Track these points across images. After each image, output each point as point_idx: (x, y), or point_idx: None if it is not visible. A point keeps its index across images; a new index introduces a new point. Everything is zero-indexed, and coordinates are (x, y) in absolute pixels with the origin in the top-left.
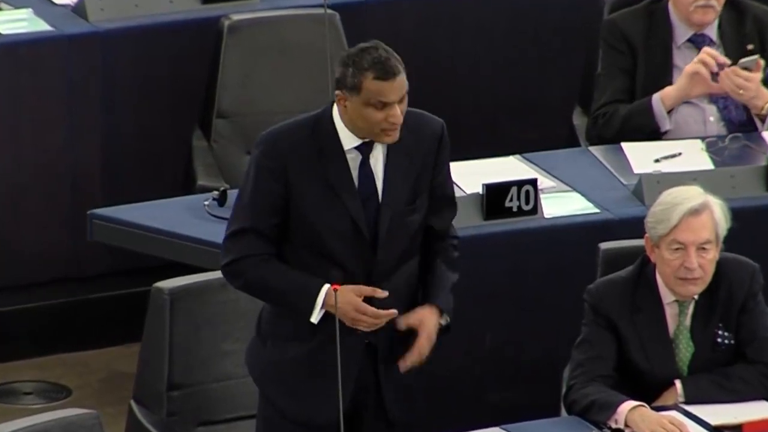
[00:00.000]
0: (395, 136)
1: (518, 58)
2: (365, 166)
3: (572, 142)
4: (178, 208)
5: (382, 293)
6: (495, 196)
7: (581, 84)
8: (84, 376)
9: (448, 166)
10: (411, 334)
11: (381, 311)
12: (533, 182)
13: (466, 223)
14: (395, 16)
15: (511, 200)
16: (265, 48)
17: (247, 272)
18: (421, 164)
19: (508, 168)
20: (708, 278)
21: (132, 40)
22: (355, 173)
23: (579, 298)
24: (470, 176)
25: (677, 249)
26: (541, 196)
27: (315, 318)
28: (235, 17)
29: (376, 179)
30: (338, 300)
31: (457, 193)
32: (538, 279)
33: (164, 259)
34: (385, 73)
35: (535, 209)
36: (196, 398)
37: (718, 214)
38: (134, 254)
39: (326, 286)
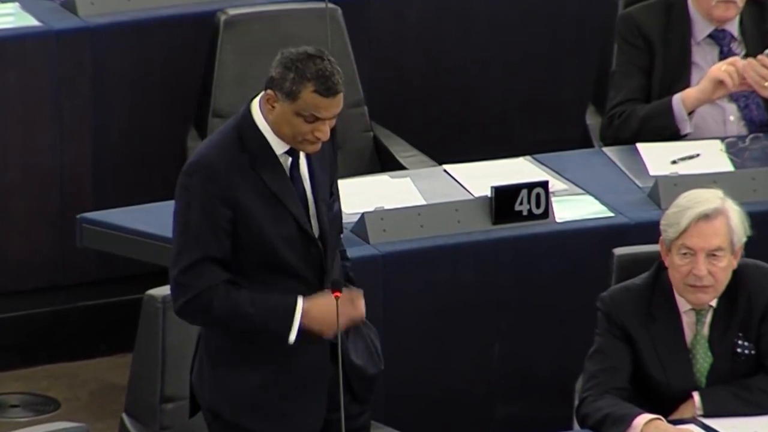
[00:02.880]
0: (316, 148)
1: (529, 54)
2: (296, 169)
3: (585, 142)
4: (172, 212)
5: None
6: (504, 199)
7: (595, 82)
8: (73, 388)
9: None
10: None
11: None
12: (544, 185)
13: (474, 227)
14: (400, 10)
15: (521, 204)
16: (264, 44)
17: (213, 304)
18: (328, 153)
19: (518, 170)
20: (720, 287)
21: (123, 36)
22: (288, 177)
23: (592, 307)
24: (478, 178)
25: (686, 254)
26: (553, 199)
27: (292, 338)
28: (232, 11)
29: (303, 178)
30: (318, 313)
31: (465, 196)
32: (549, 286)
33: (157, 266)
34: (327, 89)
35: (547, 213)
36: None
37: (735, 222)
38: (126, 260)
39: (299, 303)
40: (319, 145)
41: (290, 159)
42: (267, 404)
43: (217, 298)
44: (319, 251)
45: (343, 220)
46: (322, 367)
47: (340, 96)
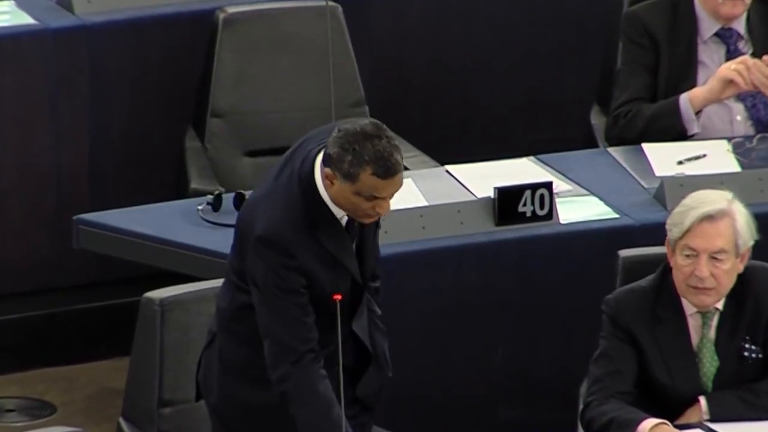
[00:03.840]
0: (375, 219)
1: (532, 53)
2: (351, 223)
3: (590, 142)
4: (170, 213)
5: None
6: (507, 200)
7: (600, 81)
8: (69, 393)
9: None
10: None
11: None
12: (548, 185)
13: (477, 229)
14: (402, 8)
15: (524, 205)
16: (263, 42)
17: (308, 390)
18: None
19: (522, 170)
20: (723, 290)
21: (121, 35)
22: (346, 233)
23: (597, 309)
24: (481, 179)
25: (689, 255)
26: (557, 200)
27: None
28: (231, 9)
29: (356, 230)
30: None
31: (468, 198)
32: (554, 289)
33: (155, 268)
34: (386, 172)
35: (550, 214)
36: (189, 416)
37: (741, 225)
38: (123, 262)
39: None
40: (377, 218)
41: (346, 217)
42: (276, 421)
43: (314, 386)
44: (361, 294)
45: None
46: (335, 387)
47: (400, 176)
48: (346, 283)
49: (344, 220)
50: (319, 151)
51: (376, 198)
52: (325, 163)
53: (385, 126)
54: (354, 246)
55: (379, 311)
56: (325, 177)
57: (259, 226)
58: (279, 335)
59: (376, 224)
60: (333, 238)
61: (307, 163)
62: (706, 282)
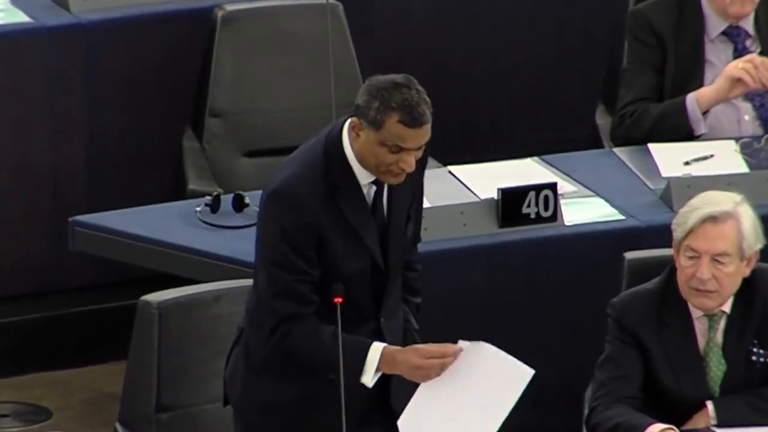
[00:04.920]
0: (400, 179)
1: (537, 52)
2: (380, 198)
3: (595, 142)
4: (168, 214)
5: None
6: (511, 201)
7: (605, 80)
8: (65, 397)
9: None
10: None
11: (445, 347)
12: (553, 186)
13: (480, 230)
14: (404, 6)
15: (528, 206)
16: (262, 41)
17: (298, 332)
18: (412, 185)
19: (526, 171)
20: (726, 293)
21: (118, 33)
22: (369, 208)
23: (602, 313)
24: (485, 180)
25: (691, 257)
26: (561, 201)
27: (368, 380)
28: (230, 7)
29: (383, 209)
30: (398, 360)
31: (471, 199)
32: (558, 291)
33: (152, 270)
34: (412, 120)
35: (555, 216)
36: (187, 421)
37: (746, 227)
38: (119, 265)
39: (377, 347)
40: (403, 177)
41: (374, 188)
42: (295, 418)
43: (302, 328)
44: (384, 283)
45: None
46: (357, 396)
47: (426, 127)
48: (364, 262)
49: (370, 195)
50: (348, 118)
51: (400, 150)
52: (353, 113)
53: (416, 81)
54: (378, 226)
55: (416, 325)
56: (351, 129)
57: (274, 183)
58: (275, 303)
59: (411, 203)
60: (353, 205)
61: (336, 127)
62: (708, 284)
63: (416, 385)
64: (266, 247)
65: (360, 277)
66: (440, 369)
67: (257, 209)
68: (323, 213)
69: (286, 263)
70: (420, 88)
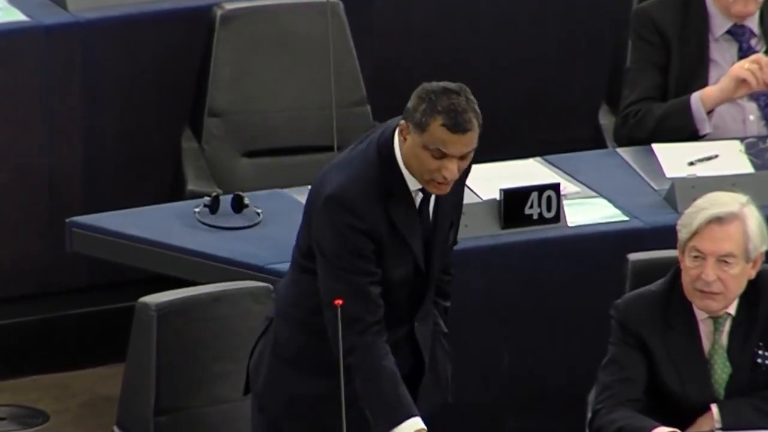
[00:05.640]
0: (444, 190)
1: (539, 51)
2: (426, 205)
3: (598, 142)
4: (166, 215)
5: None
6: (513, 202)
7: (608, 79)
8: (62, 400)
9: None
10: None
11: None
12: (555, 187)
13: (482, 232)
14: (405, 5)
15: (531, 207)
16: (262, 40)
17: (374, 364)
18: (457, 194)
19: (528, 171)
20: (731, 295)
21: (116, 32)
22: (417, 214)
23: (605, 315)
24: (487, 181)
25: (696, 257)
26: (564, 202)
27: None
28: (229, 6)
29: (429, 216)
30: None
31: (473, 199)
32: (561, 293)
33: (150, 272)
34: (455, 125)
35: (558, 217)
36: (186, 424)
37: (752, 229)
38: (117, 266)
39: (416, 421)
40: (447, 188)
41: (421, 197)
42: (316, 415)
43: (369, 361)
44: (424, 288)
45: None
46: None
47: (471, 135)
48: (408, 268)
49: (418, 199)
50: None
51: (443, 156)
52: (403, 116)
53: (469, 90)
54: (423, 232)
55: (445, 329)
56: (400, 132)
57: (330, 188)
58: (344, 305)
59: (452, 224)
60: (403, 212)
61: (388, 130)
62: (713, 286)
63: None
64: (330, 255)
65: (402, 282)
66: None
67: (257, 210)
68: (378, 217)
69: (353, 267)
70: (471, 97)
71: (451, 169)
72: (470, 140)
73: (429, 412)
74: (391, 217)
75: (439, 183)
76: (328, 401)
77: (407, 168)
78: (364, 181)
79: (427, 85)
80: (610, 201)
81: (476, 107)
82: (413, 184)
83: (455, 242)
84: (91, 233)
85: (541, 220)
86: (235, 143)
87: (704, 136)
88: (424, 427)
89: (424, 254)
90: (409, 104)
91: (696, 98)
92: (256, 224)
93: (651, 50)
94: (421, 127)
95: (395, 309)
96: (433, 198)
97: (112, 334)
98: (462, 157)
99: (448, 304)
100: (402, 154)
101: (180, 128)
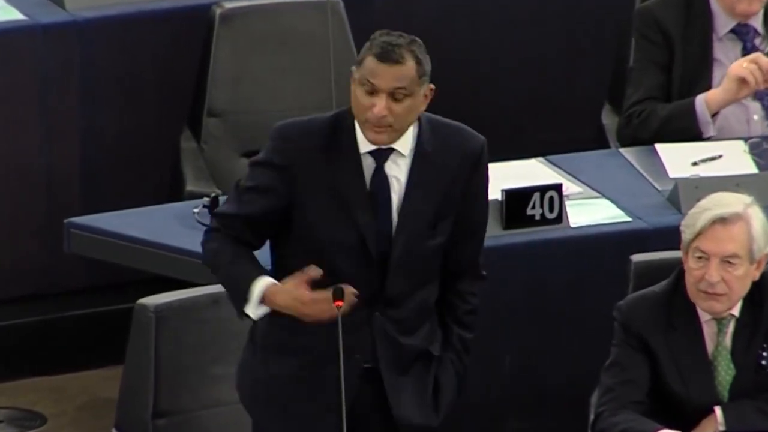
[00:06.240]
0: (382, 137)
1: (542, 50)
2: (379, 175)
3: (601, 143)
4: (165, 216)
5: (315, 271)
6: (515, 202)
7: (611, 79)
8: (60, 403)
9: (484, 194)
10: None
11: (319, 294)
12: (558, 188)
13: None
14: (405, 4)
15: (533, 207)
16: (261, 39)
17: (209, 245)
18: (450, 183)
19: (531, 172)
20: (735, 296)
21: (113, 31)
22: (368, 182)
23: (608, 316)
24: (489, 181)
25: (700, 258)
26: (567, 202)
27: (252, 312)
28: (228, 5)
29: (392, 192)
30: (282, 299)
31: None
32: (563, 295)
33: (149, 273)
34: (384, 53)
35: (560, 217)
36: (184, 427)
37: (756, 230)
38: (116, 267)
39: (265, 279)
40: (384, 137)
41: (375, 164)
42: (283, 400)
43: (214, 242)
44: (381, 272)
45: None
46: (348, 388)
47: (400, 68)
48: (350, 237)
49: (371, 166)
50: None
51: (373, 91)
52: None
53: (421, 43)
54: (377, 206)
55: (458, 358)
56: (352, 79)
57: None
58: (222, 206)
59: (442, 214)
60: (348, 174)
61: None
62: (717, 287)
63: (415, 391)
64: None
65: (347, 252)
66: (322, 314)
67: None
68: (310, 167)
69: (242, 195)
70: (419, 44)
71: (379, 105)
72: (399, 75)
73: (414, 420)
74: (335, 175)
75: (375, 127)
76: (297, 383)
77: (354, 112)
78: (306, 125)
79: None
80: (612, 201)
81: (419, 53)
82: (365, 146)
83: (470, 267)
84: (89, 234)
85: (543, 220)
86: (235, 143)
87: (708, 139)
88: (272, 280)
89: (375, 231)
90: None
91: (701, 101)
92: None
93: (654, 49)
94: (359, 62)
95: (341, 281)
96: (403, 179)
97: (110, 336)
98: (394, 98)
99: (465, 334)
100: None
101: (179, 128)
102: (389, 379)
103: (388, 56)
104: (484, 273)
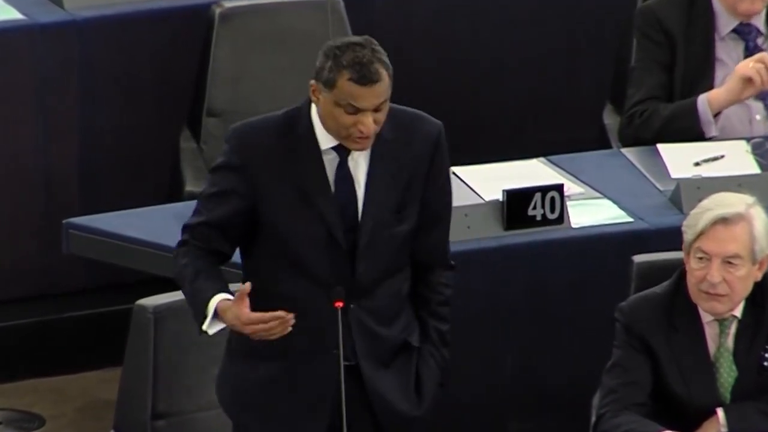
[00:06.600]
0: (364, 145)
1: (543, 50)
2: (343, 169)
3: (603, 143)
4: (164, 216)
5: (245, 288)
6: (517, 203)
7: (613, 79)
8: (59, 404)
9: (446, 178)
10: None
11: (265, 315)
12: (559, 188)
13: (485, 233)
14: (405, 3)
15: (534, 208)
16: (261, 38)
17: (176, 259)
18: (412, 170)
19: (532, 172)
20: (737, 297)
21: (113, 30)
22: (331, 176)
23: (610, 317)
24: (490, 181)
25: (702, 259)
26: (568, 203)
27: (208, 328)
28: (228, 4)
29: (356, 184)
30: (228, 317)
31: (475, 200)
32: (565, 296)
33: (148, 274)
34: (361, 78)
35: (561, 218)
36: (183, 428)
37: (758, 230)
38: (114, 268)
39: (218, 296)
40: (367, 142)
41: (338, 159)
42: (264, 404)
43: (180, 257)
44: (350, 263)
45: None
46: (329, 380)
47: (381, 85)
48: (317, 230)
49: (334, 161)
50: None
51: (356, 111)
52: (313, 77)
53: (376, 42)
54: (341, 198)
55: (436, 348)
56: (312, 93)
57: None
58: (190, 218)
59: (405, 200)
60: (309, 169)
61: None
62: (718, 288)
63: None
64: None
65: (315, 245)
66: (272, 332)
67: None
68: (268, 164)
69: (207, 200)
70: (378, 48)
71: (367, 123)
72: (380, 92)
73: (398, 418)
74: (298, 171)
75: (357, 138)
76: (277, 386)
77: (324, 126)
78: (261, 126)
79: (331, 42)
80: (614, 202)
81: (384, 58)
82: (325, 143)
83: (440, 255)
84: (87, 235)
85: (545, 221)
86: None
87: (710, 138)
88: (226, 296)
89: (342, 222)
90: (317, 63)
91: (703, 100)
92: None
93: (656, 49)
94: (330, 85)
95: (315, 277)
96: (362, 170)
97: (108, 338)
98: (376, 110)
99: (441, 326)
100: (319, 115)
101: (178, 128)
102: (368, 371)
103: (366, 78)
104: (453, 263)
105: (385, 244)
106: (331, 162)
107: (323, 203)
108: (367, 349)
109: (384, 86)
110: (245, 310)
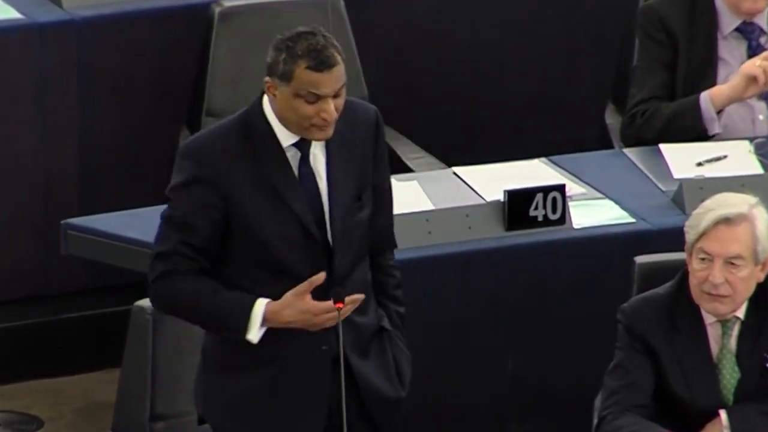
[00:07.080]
0: (327, 132)
1: (545, 49)
2: (306, 164)
3: (604, 143)
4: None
5: (319, 278)
6: (518, 203)
7: (615, 78)
8: (57, 406)
9: (387, 159)
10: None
11: (324, 302)
12: (561, 188)
13: (486, 234)
14: (406, 2)
15: (536, 208)
16: (260, 38)
17: (165, 289)
18: (361, 155)
19: (533, 172)
20: (739, 298)
21: (111, 30)
22: (295, 173)
23: (612, 318)
24: (491, 182)
25: (704, 259)
26: (570, 203)
27: (254, 335)
28: (227, 3)
29: (317, 177)
30: (289, 314)
31: (477, 201)
32: (566, 297)
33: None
34: (320, 63)
35: (563, 218)
36: (182, 430)
37: (761, 231)
38: (113, 269)
39: (262, 301)
40: (329, 131)
41: (299, 154)
42: (256, 414)
43: (182, 284)
44: (327, 256)
45: None
46: (322, 378)
47: (339, 69)
48: (292, 228)
49: (296, 157)
50: None
51: (317, 99)
52: (266, 73)
53: (324, 30)
54: (308, 192)
55: (395, 329)
56: (267, 90)
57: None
58: (155, 262)
59: (363, 183)
60: (276, 168)
61: (258, 96)
62: (720, 288)
63: (380, 369)
64: (168, 201)
65: (291, 243)
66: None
67: None
68: (236, 170)
69: (180, 223)
70: (328, 34)
71: (329, 110)
72: (338, 76)
73: (382, 398)
74: (264, 173)
75: (321, 127)
76: (267, 394)
77: (283, 123)
78: (216, 133)
79: (280, 36)
80: (616, 202)
81: (335, 42)
82: (286, 140)
83: (387, 237)
84: (86, 235)
85: (546, 221)
86: None
87: (713, 136)
88: (266, 300)
89: (316, 216)
90: (269, 59)
91: (705, 97)
92: None
93: (658, 48)
94: (287, 77)
95: (296, 276)
96: (322, 161)
97: (107, 339)
98: (336, 95)
99: (400, 309)
100: (275, 112)
101: (177, 128)
102: (356, 362)
103: (324, 64)
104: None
105: (354, 231)
106: (293, 158)
107: (293, 201)
108: (353, 340)
109: (341, 70)
110: (313, 302)
